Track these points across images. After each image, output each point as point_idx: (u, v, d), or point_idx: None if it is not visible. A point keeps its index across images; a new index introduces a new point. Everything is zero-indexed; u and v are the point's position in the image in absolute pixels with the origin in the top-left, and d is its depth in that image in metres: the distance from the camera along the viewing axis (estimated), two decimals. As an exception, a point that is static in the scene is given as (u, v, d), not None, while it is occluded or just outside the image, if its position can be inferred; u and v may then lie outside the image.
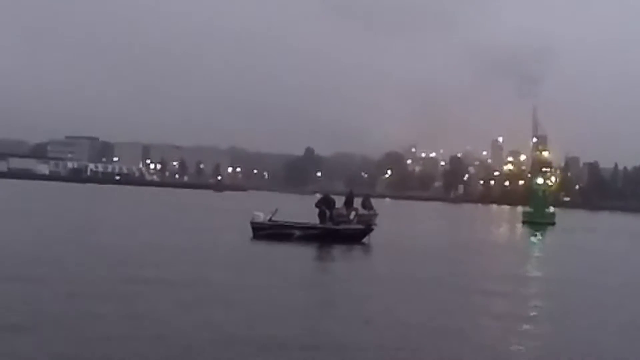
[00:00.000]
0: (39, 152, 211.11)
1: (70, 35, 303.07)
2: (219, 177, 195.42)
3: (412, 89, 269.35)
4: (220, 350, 10.40)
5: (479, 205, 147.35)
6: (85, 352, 9.92)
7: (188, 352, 10.17)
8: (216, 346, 10.61)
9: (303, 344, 11.15)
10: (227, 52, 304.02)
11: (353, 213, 34.23)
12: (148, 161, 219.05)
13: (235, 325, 12.13)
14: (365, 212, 47.69)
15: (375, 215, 50.31)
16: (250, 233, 29.78)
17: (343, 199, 40.22)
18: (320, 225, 30.67)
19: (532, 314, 15.60)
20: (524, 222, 63.33)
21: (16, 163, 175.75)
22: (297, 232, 29.79)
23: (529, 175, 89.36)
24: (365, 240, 29.39)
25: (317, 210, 31.34)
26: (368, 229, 30.18)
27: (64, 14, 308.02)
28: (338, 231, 30.13)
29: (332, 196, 32.69)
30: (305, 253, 25.97)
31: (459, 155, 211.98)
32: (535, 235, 48.54)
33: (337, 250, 26.89)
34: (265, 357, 10.22)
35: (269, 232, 29.67)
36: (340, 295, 16.73)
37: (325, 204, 31.27)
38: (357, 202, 46.63)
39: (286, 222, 30.61)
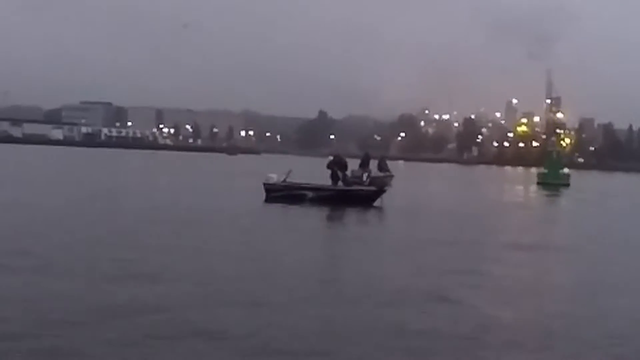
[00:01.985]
0: (53, 117, 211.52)
1: (82, 2, 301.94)
2: (232, 141, 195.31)
3: (425, 50, 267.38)
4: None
5: (493, 166, 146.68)
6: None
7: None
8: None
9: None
10: (240, 16, 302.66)
11: (365, 175, 34.23)
12: (161, 125, 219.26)
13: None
14: (380, 174, 47.93)
15: (391, 176, 50.53)
16: (263, 195, 29.82)
17: (359, 161, 40.37)
18: (332, 187, 30.58)
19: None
20: (538, 183, 63.13)
21: (31, 129, 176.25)
22: (309, 194, 29.71)
23: (543, 136, 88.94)
24: (377, 202, 29.23)
25: (330, 172, 31.30)
26: (381, 191, 30.04)
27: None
28: (350, 193, 30.03)
29: (345, 158, 32.50)
30: (314, 215, 25.84)
31: (472, 116, 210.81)
32: (550, 196, 48.44)
33: (348, 213, 26.77)
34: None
35: (281, 193, 29.65)
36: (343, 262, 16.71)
37: (337, 165, 31.14)
38: (373, 164, 46.79)
39: (298, 184, 30.55)
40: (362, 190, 30.66)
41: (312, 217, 25.41)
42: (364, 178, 33.62)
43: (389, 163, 54.72)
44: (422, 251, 17.49)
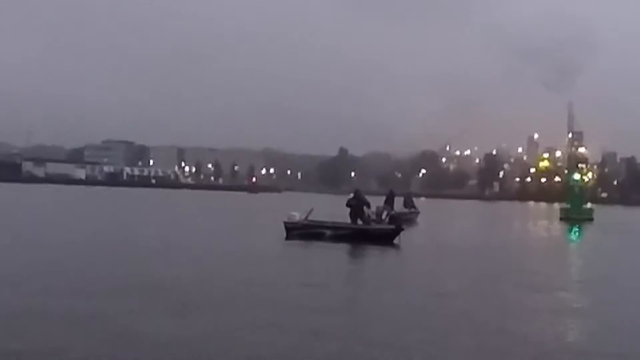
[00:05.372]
0: (75, 157, 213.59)
1: (104, 42, 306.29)
2: (254, 179, 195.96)
3: (445, 86, 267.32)
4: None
5: (515, 202, 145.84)
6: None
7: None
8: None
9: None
10: (259, 55, 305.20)
11: (385, 213, 34.06)
12: (183, 164, 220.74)
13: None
14: (406, 210, 47.90)
15: (417, 213, 50.30)
16: (283, 233, 29.77)
17: (381, 198, 40.39)
18: (350, 225, 30.44)
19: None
20: (561, 219, 62.60)
21: (53, 168, 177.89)
22: (328, 232, 29.64)
23: (566, 171, 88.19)
24: (396, 240, 28.98)
25: (349, 210, 31.25)
26: (398, 229, 29.79)
27: (94, 22, 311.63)
28: (368, 231, 29.86)
29: (365, 196, 32.30)
30: (328, 254, 25.57)
31: (493, 152, 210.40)
32: (573, 232, 47.85)
33: (363, 252, 26.43)
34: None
35: (301, 231, 29.61)
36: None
37: (358, 202, 31.03)
38: (399, 201, 46.60)
39: (317, 222, 30.45)
40: (380, 228, 30.47)
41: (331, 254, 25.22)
42: (384, 216, 33.45)
43: (411, 199, 54.56)
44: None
